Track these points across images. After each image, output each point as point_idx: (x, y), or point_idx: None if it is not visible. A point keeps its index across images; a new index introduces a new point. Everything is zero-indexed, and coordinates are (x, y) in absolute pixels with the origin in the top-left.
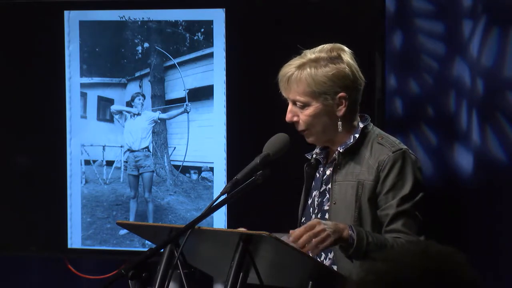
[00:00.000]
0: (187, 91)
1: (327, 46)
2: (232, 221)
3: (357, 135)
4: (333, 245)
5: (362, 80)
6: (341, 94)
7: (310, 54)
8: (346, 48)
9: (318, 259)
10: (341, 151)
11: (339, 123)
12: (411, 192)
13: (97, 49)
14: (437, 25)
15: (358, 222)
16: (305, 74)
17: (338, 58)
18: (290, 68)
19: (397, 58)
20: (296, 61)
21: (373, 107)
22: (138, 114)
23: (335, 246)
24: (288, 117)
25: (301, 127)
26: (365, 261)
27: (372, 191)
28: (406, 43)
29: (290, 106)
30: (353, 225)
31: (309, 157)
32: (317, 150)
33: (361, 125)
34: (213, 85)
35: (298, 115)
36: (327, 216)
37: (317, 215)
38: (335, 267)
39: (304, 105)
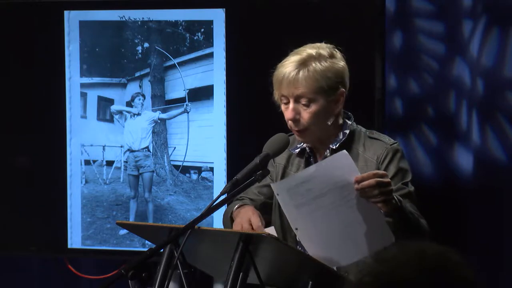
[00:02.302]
0: (187, 91)
1: (320, 44)
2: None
3: (347, 131)
4: (388, 202)
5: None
6: (341, 90)
7: (309, 49)
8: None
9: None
10: (333, 148)
11: (331, 119)
12: (411, 180)
13: (97, 49)
14: (437, 25)
15: None
16: (312, 69)
17: (335, 56)
18: (291, 66)
19: (397, 58)
20: (293, 58)
21: (373, 107)
22: (138, 114)
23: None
24: (292, 114)
25: (302, 126)
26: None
27: None
28: (406, 43)
29: (292, 104)
30: None
31: (295, 152)
32: (303, 146)
33: (349, 122)
34: (213, 85)
35: (300, 113)
36: None
37: None
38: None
39: (309, 102)
